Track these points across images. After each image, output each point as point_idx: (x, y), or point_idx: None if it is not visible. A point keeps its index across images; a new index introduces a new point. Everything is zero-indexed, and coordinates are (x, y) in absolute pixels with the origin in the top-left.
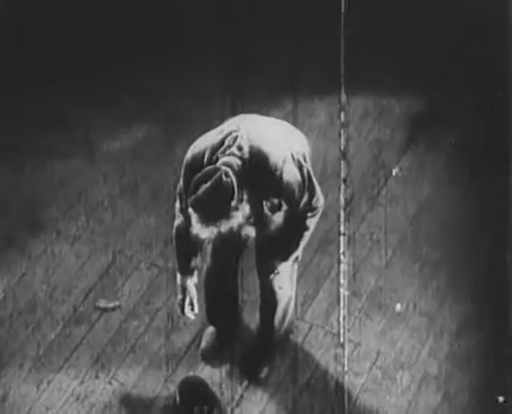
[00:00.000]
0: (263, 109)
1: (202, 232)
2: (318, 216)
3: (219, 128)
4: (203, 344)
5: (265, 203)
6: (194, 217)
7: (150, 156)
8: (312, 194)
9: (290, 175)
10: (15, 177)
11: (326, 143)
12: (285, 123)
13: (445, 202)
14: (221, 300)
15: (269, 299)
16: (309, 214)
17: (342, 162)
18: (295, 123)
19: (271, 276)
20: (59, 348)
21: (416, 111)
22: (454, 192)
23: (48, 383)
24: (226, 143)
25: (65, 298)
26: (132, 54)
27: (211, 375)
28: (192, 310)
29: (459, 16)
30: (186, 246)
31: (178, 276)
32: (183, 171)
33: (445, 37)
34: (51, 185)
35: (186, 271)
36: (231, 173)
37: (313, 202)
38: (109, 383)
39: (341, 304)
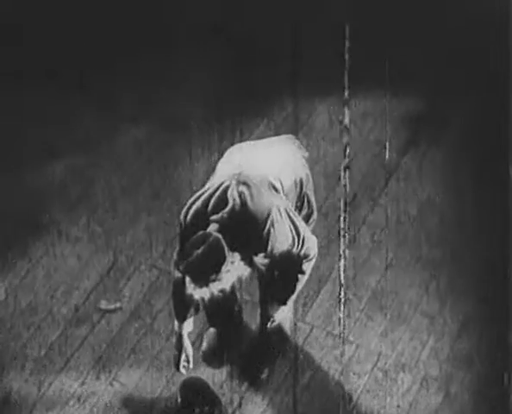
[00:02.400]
0: (263, 111)
1: (196, 293)
2: (313, 261)
3: (211, 189)
4: (204, 345)
5: (256, 258)
6: (187, 279)
7: (150, 156)
8: (302, 245)
9: (279, 233)
10: (16, 178)
11: (326, 144)
12: (282, 151)
13: (445, 202)
14: (220, 302)
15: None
16: (304, 260)
17: (343, 163)
18: (295, 124)
19: (269, 325)
20: (61, 349)
21: (417, 111)
22: (455, 192)
23: (50, 384)
24: (217, 206)
25: (66, 299)
26: (132, 54)
27: (212, 376)
28: (188, 362)
29: (460, 16)
30: (182, 300)
31: (175, 323)
32: (178, 231)
33: (445, 37)
34: (51, 185)
35: (183, 319)
36: (222, 240)
37: (303, 251)
38: (111, 384)
39: (342, 305)
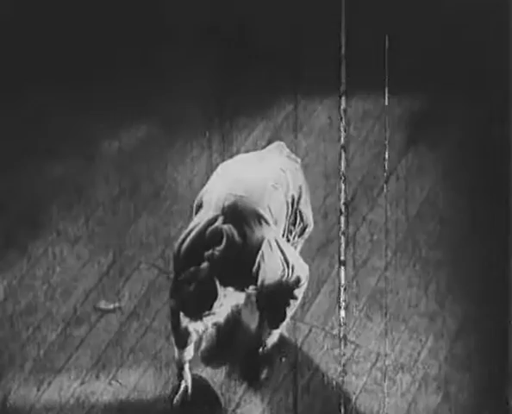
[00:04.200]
0: (263, 111)
1: (190, 326)
2: (305, 285)
3: (201, 224)
4: (204, 345)
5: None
6: (181, 313)
7: (150, 156)
8: (291, 273)
9: (269, 265)
10: (15, 177)
11: (326, 144)
12: (271, 171)
13: (445, 202)
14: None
15: None
16: (295, 287)
17: (342, 163)
18: (295, 124)
19: (260, 351)
20: (60, 349)
21: (416, 111)
22: (454, 192)
23: (49, 384)
24: (207, 243)
25: (65, 299)
26: (132, 54)
27: (211, 376)
28: (186, 392)
29: (460, 15)
30: (179, 330)
31: (175, 350)
32: (173, 261)
33: (445, 36)
34: (51, 185)
35: (183, 345)
36: (213, 277)
37: (293, 279)
38: (110, 384)
39: (341, 305)
